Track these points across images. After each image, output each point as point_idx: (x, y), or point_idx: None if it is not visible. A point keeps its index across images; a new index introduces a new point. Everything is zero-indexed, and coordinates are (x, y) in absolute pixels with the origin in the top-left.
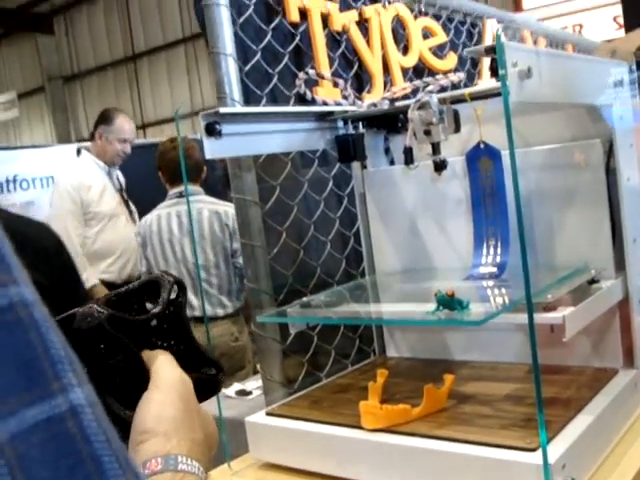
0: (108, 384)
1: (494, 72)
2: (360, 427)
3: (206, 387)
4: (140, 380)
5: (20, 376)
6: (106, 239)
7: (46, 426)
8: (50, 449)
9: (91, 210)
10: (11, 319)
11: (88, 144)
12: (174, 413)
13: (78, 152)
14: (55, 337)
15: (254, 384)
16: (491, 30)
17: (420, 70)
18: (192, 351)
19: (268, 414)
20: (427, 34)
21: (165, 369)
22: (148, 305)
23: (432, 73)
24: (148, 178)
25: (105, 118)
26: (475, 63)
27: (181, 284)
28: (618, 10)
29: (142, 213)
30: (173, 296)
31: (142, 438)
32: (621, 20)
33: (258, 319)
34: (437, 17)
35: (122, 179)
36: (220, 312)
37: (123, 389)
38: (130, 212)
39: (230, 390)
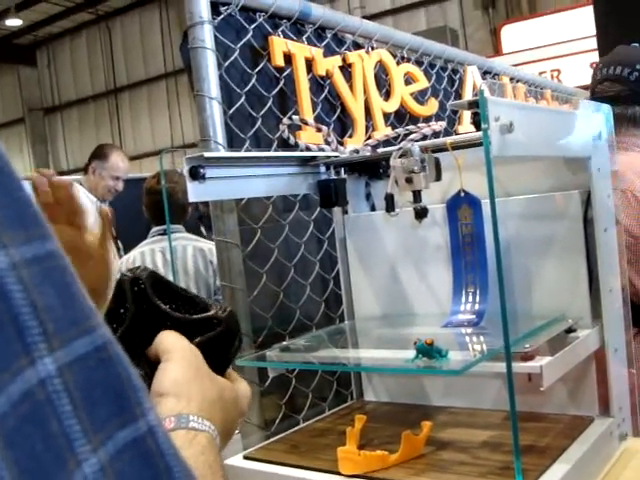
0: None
1: (477, 125)
2: (338, 472)
3: (218, 342)
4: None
5: (115, 405)
6: None
7: (133, 445)
8: (136, 464)
9: None
10: (105, 357)
11: (78, 177)
12: (183, 375)
13: None
14: (132, 369)
15: None
16: (472, 76)
17: (402, 115)
18: (191, 304)
19: (246, 457)
20: (409, 79)
21: (169, 339)
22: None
23: (413, 118)
24: (129, 212)
25: (100, 154)
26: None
27: (138, 277)
28: (595, 57)
29: (125, 247)
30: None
31: (155, 401)
32: None
33: (237, 362)
34: (419, 63)
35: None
36: None
37: None
38: (118, 249)
39: None
